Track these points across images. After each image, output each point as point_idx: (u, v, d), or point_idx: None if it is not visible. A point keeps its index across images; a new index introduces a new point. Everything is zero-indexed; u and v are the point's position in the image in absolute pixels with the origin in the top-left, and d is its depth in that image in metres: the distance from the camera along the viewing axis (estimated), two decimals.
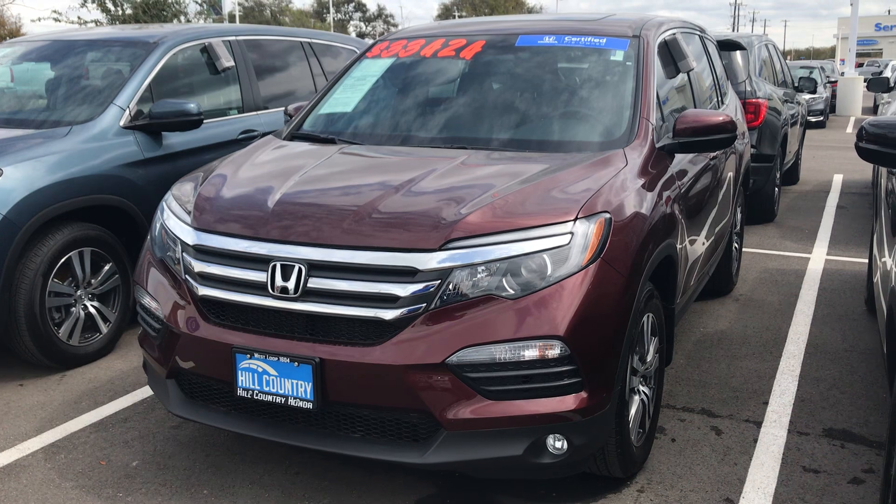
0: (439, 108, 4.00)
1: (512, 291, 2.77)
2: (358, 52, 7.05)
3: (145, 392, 4.26)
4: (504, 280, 2.78)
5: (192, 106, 4.97)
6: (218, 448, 3.65)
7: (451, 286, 2.76)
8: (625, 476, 3.29)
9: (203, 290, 3.06)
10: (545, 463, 2.85)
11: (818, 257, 7.04)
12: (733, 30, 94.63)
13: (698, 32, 5.35)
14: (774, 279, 6.36)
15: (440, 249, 2.79)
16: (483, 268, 2.78)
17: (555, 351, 2.74)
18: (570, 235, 2.84)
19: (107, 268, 4.70)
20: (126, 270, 4.82)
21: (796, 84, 10.25)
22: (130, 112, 4.93)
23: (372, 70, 4.39)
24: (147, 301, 3.31)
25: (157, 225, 3.45)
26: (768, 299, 5.83)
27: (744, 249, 7.13)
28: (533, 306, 2.75)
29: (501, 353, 2.73)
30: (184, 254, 3.17)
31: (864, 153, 3.19)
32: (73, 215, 4.54)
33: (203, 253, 3.11)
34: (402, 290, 2.77)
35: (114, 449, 3.66)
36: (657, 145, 3.64)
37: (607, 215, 2.96)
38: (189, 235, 3.18)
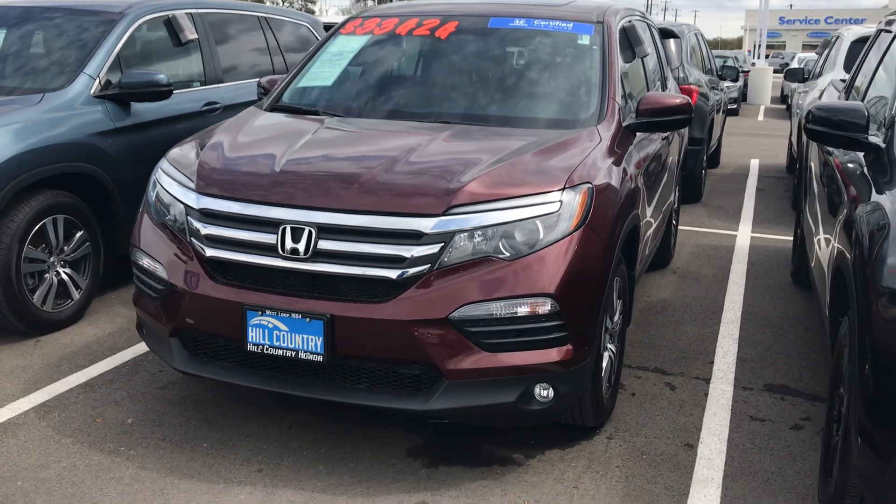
0: (418, 84, 4.22)
1: (507, 254, 3.03)
2: (309, 26, 7.18)
3: (126, 355, 4.37)
4: (500, 243, 3.04)
5: (161, 77, 5.04)
6: (209, 406, 3.81)
7: (452, 248, 3.01)
8: (596, 425, 3.61)
9: (210, 252, 3.22)
10: (533, 410, 3.14)
11: (744, 234, 7.55)
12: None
13: (648, 21, 5.71)
14: (707, 254, 6.82)
15: (443, 215, 3.03)
16: (481, 232, 3.03)
17: (545, 308, 3.03)
18: (559, 203, 3.13)
19: (78, 235, 4.76)
20: (97, 238, 4.89)
21: (719, 72, 10.82)
22: (100, 81, 4.97)
23: (348, 46, 4.57)
24: (147, 263, 3.44)
25: (155, 190, 3.58)
26: (703, 272, 6.27)
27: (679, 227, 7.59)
28: (526, 267, 3.03)
29: (498, 309, 2.99)
30: (188, 217, 3.32)
31: (811, 133, 3.57)
32: (46, 182, 4.58)
33: (209, 216, 3.27)
34: (408, 251, 3.00)
35: (105, 408, 3.78)
36: (623, 124, 3.95)
37: (589, 185, 3.26)
38: (194, 199, 3.33)
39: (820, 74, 8.87)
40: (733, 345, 4.77)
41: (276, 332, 3.09)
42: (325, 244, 3.06)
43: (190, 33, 5.71)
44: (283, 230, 3.10)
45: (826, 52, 8.98)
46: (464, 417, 3.17)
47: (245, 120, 4.03)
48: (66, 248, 4.70)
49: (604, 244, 3.24)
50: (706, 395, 4.09)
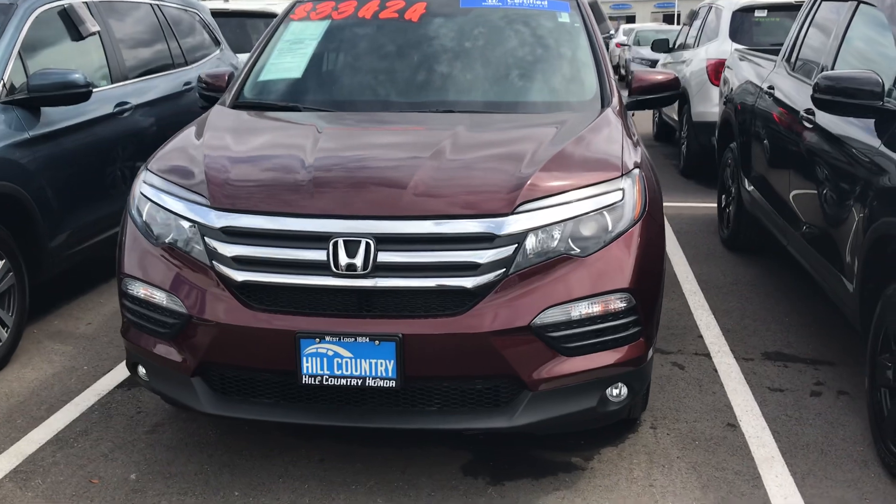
0: (405, 71, 3.90)
1: (580, 250, 2.83)
2: (198, 13, 6.60)
3: (87, 399, 3.80)
4: (572, 239, 2.83)
5: (77, 76, 4.41)
6: (217, 446, 3.37)
7: (526, 249, 2.77)
8: (639, 417, 3.50)
9: (242, 276, 2.80)
10: (609, 411, 2.97)
11: None
12: None
13: None
14: None
15: (513, 213, 2.78)
16: (552, 228, 2.82)
17: (622, 303, 2.86)
18: (621, 192, 2.96)
19: (0, 265, 4.09)
20: (20, 266, 4.22)
21: None
22: (5, 85, 4.28)
23: (307, 33, 4.16)
24: (148, 293, 2.97)
25: (145, 208, 3.08)
26: None
27: None
28: (601, 262, 2.84)
29: (578, 310, 2.80)
30: (205, 238, 2.88)
31: (821, 103, 3.61)
32: None
33: (234, 235, 2.84)
34: (482, 256, 2.73)
35: (96, 465, 3.26)
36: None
37: (638, 170, 3.11)
38: (211, 217, 2.88)
39: (696, 45, 9.18)
40: (710, 316, 4.81)
41: (338, 360, 2.74)
42: (385, 256, 2.73)
43: (92, 25, 5.04)
44: (335, 244, 2.74)
45: (700, 22, 9.30)
46: (545, 428, 2.96)
47: (225, 121, 3.58)
48: None
49: (660, 229, 3.12)
50: (715, 370, 4.08)
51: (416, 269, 2.74)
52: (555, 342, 2.78)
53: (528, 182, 2.86)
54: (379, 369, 2.73)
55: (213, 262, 2.85)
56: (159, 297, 2.95)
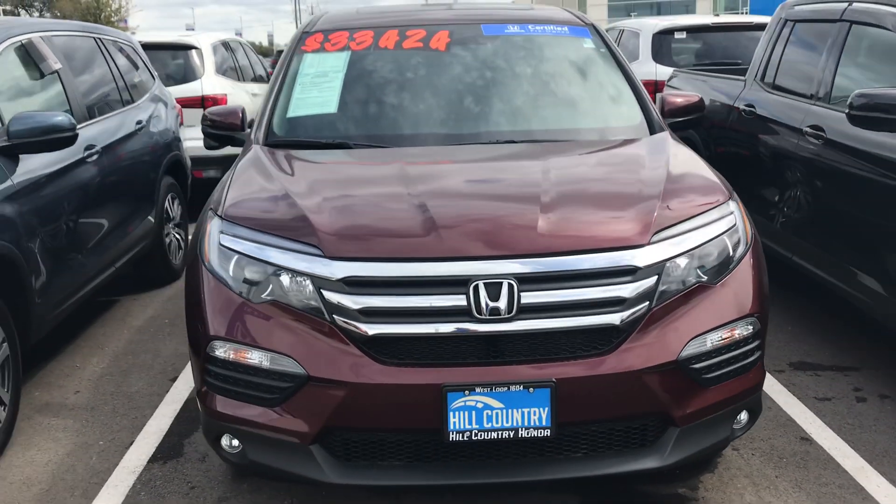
0: (454, 103, 3.72)
1: (707, 277, 2.79)
2: (133, 46, 6.20)
3: (123, 479, 3.38)
4: (700, 267, 2.78)
5: (61, 119, 3.98)
6: None
7: (665, 279, 2.69)
8: None
9: (373, 329, 2.56)
10: (731, 438, 2.94)
11: None
12: (297, 25, 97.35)
13: None
14: None
15: (650, 243, 2.70)
16: (686, 257, 2.75)
17: (750, 328, 2.84)
18: (733, 215, 2.94)
19: None
20: (13, 334, 3.73)
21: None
22: None
23: (327, 65, 3.92)
24: (253, 357, 2.67)
25: (231, 262, 2.77)
26: None
27: None
28: (730, 289, 2.81)
29: (716, 339, 2.75)
30: (321, 290, 2.61)
31: (861, 120, 3.77)
32: None
33: (358, 285, 2.60)
34: (627, 290, 2.63)
35: None
36: None
37: (733, 194, 3.11)
38: (327, 268, 2.62)
39: None
40: None
41: (488, 413, 2.55)
42: (529, 297, 2.58)
43: (54, 62, 4.56)
44: (475, 288, 2.55)
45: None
46: (685, 463, 2.87)
47: (284, 162, 3.31)
48: None
49: (762, 250, 3.12)
50: None
51: (562, 308, 2.60)
52: (696, 374, 2.71)
53: (657, 211, 2.79)
54: (532, 418, 2.56)
55: (334, 315, 2.60)
56: (262, 360, 2.65)
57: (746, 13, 41.40)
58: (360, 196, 2.97)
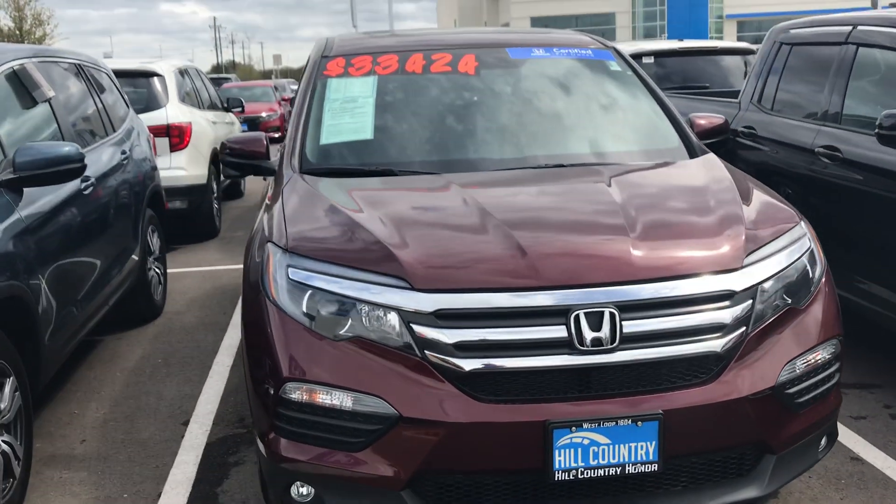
0: (495, 127, 3.63)
1: (796, 299, 2.74)
2: (108, 73, 5.95)
3: None
4: (788, 289, 2.74)
5: (69, 149, 3.73)
6: None
7: (759, 304, 2.63)
8: None
9: (470, 364, 2.42)
10: (817, 462, 2.89)
11: None
12: (218, 52, 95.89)
13: None
14: None
15: (744, 266, 2.64)
16: (774, 280, 2.70)
17: (833, 350, 2.81)
18: (807, 237, 2.91)
19: (8, 384, 3.29)
20: (25, 382, 3.43)
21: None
22: None
23: (355, 90, 3.77)
24: (325, 398, 2.49)
25: (303, 298, 2.59)
26: None
27: None
28: (814, 311, 2.78)
29: (805, 362, 2.70)
30: (410, 325, 2.46)
31: (885, 139, 3.83)
32: None
33: (452, 318, 2.45)
34: (726, 316, 2.56)
35: None
36: None
37: (802, 216, 3.08)
38: (416, 301, 2.47)
39: None
40: None
41: (594, 449, 2.43)
42: (631, 326, 2.48)
43: (47, 90, 4.28)
44: (576, 317, 2.44)
45: None
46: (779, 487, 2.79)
47: (335, 191, 3.15)
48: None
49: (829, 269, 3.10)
50: None
51: (665, 336, 2.51)
52: (789, 399, 2.66)
53: (744, 234, 2.73)
54: (639, 453, 2.45)
55: (426, 351, 2.45)
56: (345, 401, 2.48)
57: (664, 38, 42.76)
58: (439, 225, 2.83)
